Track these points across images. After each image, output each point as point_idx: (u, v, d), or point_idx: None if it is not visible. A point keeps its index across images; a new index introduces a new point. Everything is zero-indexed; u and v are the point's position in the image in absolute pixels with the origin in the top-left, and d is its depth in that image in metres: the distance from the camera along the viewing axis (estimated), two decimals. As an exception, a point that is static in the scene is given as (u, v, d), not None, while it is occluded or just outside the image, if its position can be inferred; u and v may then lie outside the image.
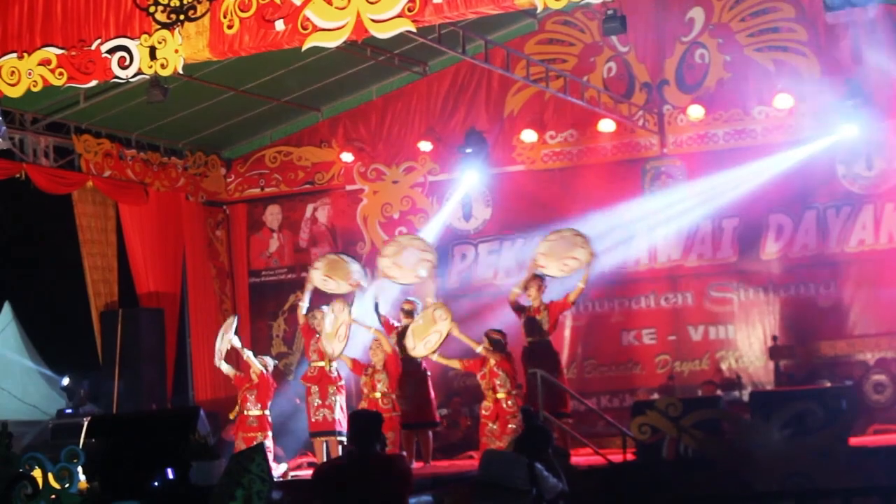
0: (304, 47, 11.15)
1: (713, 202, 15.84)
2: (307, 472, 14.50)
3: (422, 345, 13.97)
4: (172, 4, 11.34)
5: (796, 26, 15.70)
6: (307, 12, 10.96)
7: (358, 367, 14.42)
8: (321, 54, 13.77)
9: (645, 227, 16.22)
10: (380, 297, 14.81)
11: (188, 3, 11.32)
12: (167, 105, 14.01)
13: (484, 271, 17.01)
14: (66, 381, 15.80)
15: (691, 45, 16.20)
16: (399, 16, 10.68)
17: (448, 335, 13.86)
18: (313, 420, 14.41)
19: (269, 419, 14.39)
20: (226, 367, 14.53)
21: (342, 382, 14.50)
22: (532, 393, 13.46)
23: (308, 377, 14.55)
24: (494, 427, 13.53)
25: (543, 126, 16.71)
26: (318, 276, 14.64)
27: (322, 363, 14.40)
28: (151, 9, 11.42)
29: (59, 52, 11.86)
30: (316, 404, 14.43)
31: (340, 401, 14.38)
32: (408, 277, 14.72)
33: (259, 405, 14.27)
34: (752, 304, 15.78)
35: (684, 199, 16.05)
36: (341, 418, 14.25)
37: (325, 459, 14.21)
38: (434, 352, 13.97)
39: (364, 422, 8.72)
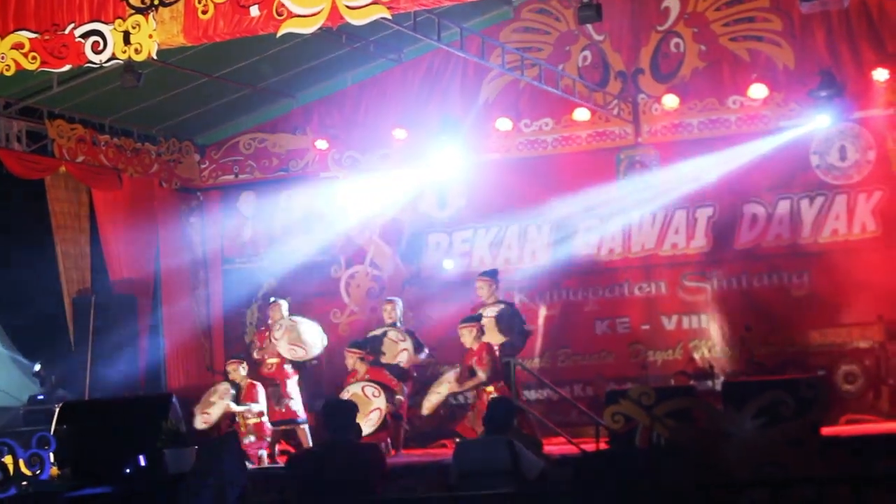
0: (279, 34, 11.10)
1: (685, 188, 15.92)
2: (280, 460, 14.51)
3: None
4: (147, -11, 11.29)
5: (771, 16, 15.72)
6: (282, -2, 10.92)
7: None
8: (296, 41, 13.73)
9: (619, 215, 16.27)
10: None
11: (162, -13, 11.26)
12: (141, 91, 13.90)
13: (458, 260, 17.00)
14: (37, 367, 15.72)
15: (666, 35, 16.21)
16: (374, 3, 10.64)
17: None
18: (276, 410, 14.96)
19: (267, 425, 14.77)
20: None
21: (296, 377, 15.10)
22: (506, 381, 13.55)
23: (267, 373, 15.03)
24: (473, 415, 13.62)
25: (518, 114, 16.70)
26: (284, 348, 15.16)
27: (275, 360, 15.10)
28: (125, -7, 11.36)
29: (33, 36, 11.76)
30: (278, 396, 14.89)
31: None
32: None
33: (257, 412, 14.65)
34: (726, 294, 15.80)
35: (658, 185, 16.11)
36: (299, 408, 15.02)
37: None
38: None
39: (339, 410, 8.71)
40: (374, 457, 8.73)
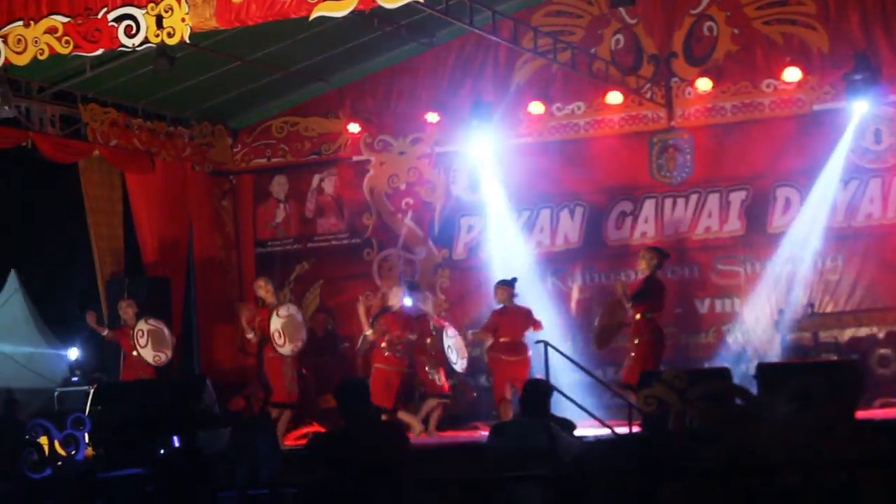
0: (312, 17, 11.09)
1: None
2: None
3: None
4: (179, -28, 11.29)
5: (805, -1, 15.65)
6: (315, -19, 10.91)
7: None
8: (328, 24, 13.72)
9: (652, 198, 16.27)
10: None
11: (195, -29, 11.26)
12: (173, 74, 13.99)
13: (490, 243, 17.00)
14: (73, 353, 15.77)
15: (699, 18, 16.14)
16: (407, -15, 10.63)
17: None
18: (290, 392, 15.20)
19: None
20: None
21: None
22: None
23: None
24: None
25: (551, 98, 16.66)
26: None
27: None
28: (158, -24, 11.38)
29: (66, 20, 11.78)
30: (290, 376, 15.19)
31: None
32: None
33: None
34: (759, 278, 15.75)
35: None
36: None
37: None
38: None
39: (352, 390, 8.70)
40: (397, 434, 8.72)
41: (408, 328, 14.98)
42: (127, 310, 15.69)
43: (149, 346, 15.39)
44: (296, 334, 15.20)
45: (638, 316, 14.12)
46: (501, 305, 14.80)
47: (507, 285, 14.81)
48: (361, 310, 15.17)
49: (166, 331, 15.63)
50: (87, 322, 15.61)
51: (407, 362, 15.14)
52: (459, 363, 15.24)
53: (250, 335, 15.43)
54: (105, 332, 15.56)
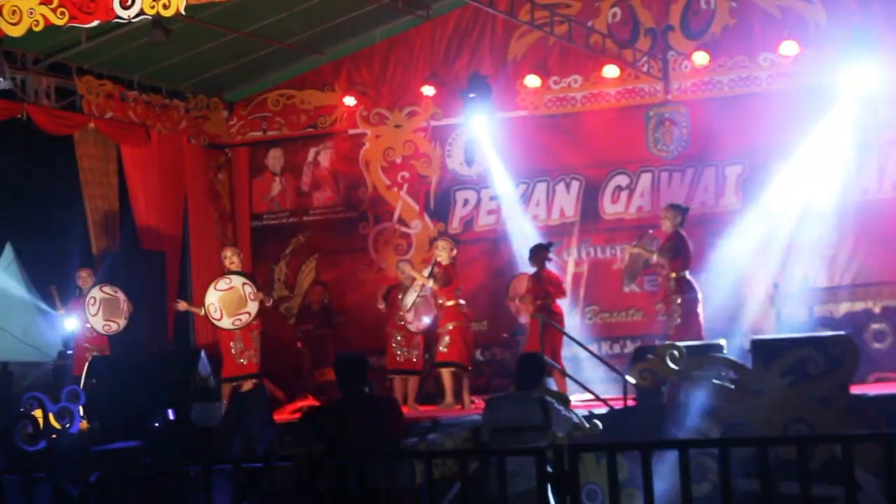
0: (308, -12, 11.06)
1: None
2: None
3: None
4: (175, -57, 11.22)
5: (803, -28, 15.60)
6: (311, -47, 10.88)
7: None
8: (324, -4, 13.71)
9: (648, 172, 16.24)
10: None
11: (191, -58, 11.20)
12: (169, 47, 13.90)
13: (485, 217, 16.99)
14: (71, 323, 15.73)
15: (696, -9, 16.13)
16: (403, -43, 10.60)
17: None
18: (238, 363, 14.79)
19: None
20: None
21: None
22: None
23: None
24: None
25: (547, 71, 16.64)
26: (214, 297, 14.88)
27: None
28: (153, -53, 11.31)
29: (61, -9, 11.73)
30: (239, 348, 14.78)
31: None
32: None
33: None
34: (755, 251, 15.72)
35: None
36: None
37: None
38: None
39: (349, 365, 8.71)
40: (389, 408, 8.74)
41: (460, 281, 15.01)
42: (87, 279, 15.60)
43: (99, 314, 15.16)
44: (236, 308, 14.68)
45: (673, 274, 13.97)
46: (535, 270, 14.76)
47: (545, 249, 14.83)
48: (408, 268, 15.19)
49: (122, 299, 15.33)
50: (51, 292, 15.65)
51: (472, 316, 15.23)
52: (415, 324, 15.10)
53: (196, 310, 15.43)
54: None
